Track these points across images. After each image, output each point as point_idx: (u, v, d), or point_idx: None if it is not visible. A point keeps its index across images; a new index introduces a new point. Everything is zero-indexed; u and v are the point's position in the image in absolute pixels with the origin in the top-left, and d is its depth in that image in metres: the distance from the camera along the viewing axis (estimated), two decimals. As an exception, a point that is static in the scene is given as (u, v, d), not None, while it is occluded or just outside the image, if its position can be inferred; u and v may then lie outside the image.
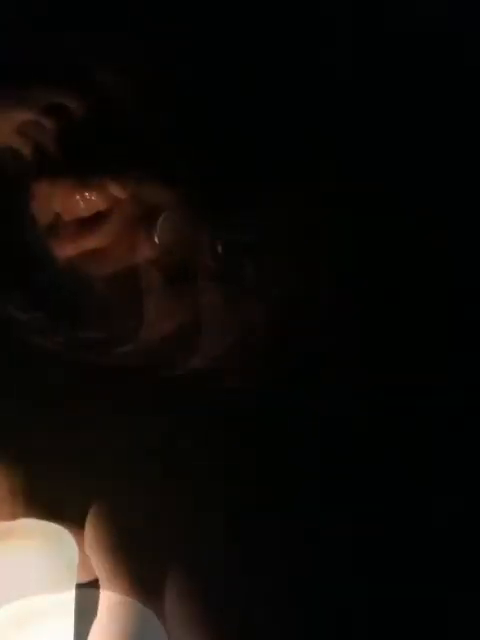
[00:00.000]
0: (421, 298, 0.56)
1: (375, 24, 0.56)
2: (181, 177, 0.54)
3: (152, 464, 0.55)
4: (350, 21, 0.55)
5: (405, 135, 0.56)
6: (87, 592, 0.52)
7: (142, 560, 0.50)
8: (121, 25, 0.54)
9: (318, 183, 0.55)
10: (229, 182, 0.54)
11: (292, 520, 0.53)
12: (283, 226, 0.55)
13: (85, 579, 0.53)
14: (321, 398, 0.56)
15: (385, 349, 0.56)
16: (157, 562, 0.50)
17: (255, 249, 0.55)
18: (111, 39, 0.54)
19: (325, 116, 0.55)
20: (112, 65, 0.54)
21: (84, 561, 0.52)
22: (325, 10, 0.55)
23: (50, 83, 0.54)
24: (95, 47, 0.54)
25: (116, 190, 0.54)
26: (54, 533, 0.53)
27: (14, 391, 0.59)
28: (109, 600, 0.50)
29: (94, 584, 0.52)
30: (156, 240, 0.56)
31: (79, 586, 0.52)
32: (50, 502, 0.55)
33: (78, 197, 0.55)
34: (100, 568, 0.51)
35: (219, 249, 0.54)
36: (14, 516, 0.54)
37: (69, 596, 0.51)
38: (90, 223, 0.56)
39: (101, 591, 0.51)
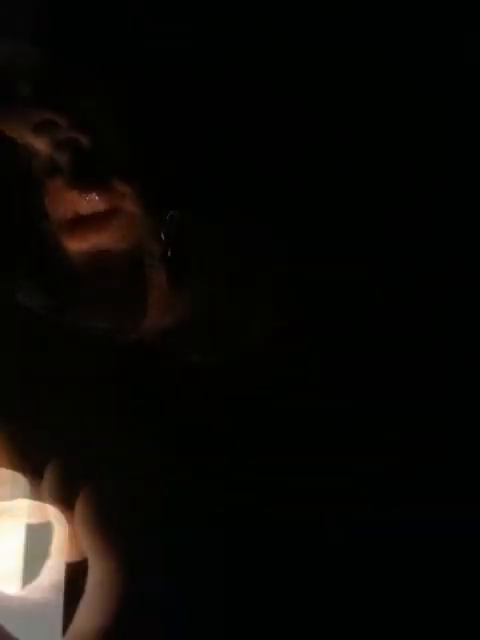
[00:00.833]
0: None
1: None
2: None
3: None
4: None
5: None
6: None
7: (130, 539, 0.51)
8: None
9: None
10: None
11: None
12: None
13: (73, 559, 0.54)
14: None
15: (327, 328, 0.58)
16: (144, 542, 0.51)
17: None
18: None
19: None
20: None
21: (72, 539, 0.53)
22: None
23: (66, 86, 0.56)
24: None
25: (121, 189, 0.56)
26: (43, 512, 0.54)
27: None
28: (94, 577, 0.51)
29: (83, 563, 0.52)
30: (162, 237, 0.57)
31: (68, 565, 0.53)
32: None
33: (88, 195, 0.57)
34: (89, 546, 0.52)
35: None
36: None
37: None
38: (99, 220, 0.58)
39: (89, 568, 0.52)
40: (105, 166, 0.56)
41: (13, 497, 0.55)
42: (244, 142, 0.57)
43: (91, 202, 0.57)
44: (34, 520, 0.55)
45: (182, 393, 0.59)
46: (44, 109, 0.56)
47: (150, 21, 0.56)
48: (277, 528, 0.56)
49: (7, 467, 0.55)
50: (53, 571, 0.53)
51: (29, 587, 0.54)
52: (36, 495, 0.54)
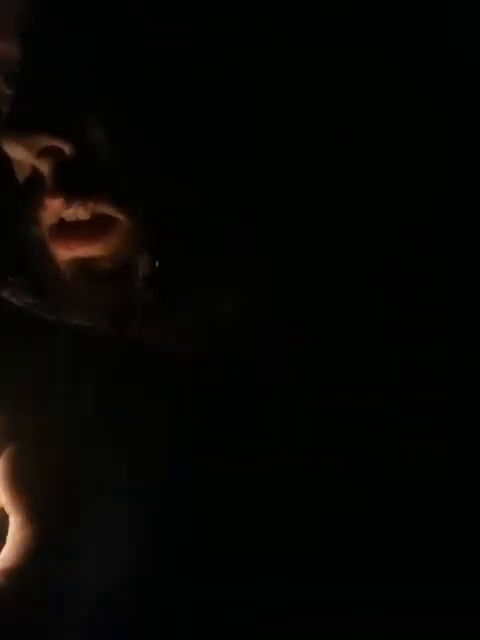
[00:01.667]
0: None
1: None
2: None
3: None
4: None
5: None
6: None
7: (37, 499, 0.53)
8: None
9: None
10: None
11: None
12: None
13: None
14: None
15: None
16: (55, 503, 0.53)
17: None
18: None
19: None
20: None
21: None
22: None
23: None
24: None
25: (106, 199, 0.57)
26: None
27: None
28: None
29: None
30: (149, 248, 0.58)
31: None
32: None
33: (71, 204, 0.57)
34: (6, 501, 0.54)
35: None
36: None
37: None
38: (83, 228, 0.58)
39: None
40: (89, 175, 0.57)
41: None
42: (237, 149, 0.57)
43: (75, 211, 0.57)
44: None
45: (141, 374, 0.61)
46: (29, 120, 0.56)
47: (150, 21, 0.56)
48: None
49: None
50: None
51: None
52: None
